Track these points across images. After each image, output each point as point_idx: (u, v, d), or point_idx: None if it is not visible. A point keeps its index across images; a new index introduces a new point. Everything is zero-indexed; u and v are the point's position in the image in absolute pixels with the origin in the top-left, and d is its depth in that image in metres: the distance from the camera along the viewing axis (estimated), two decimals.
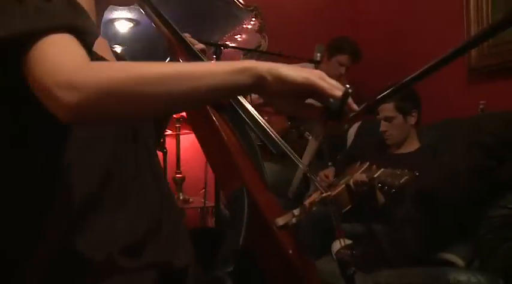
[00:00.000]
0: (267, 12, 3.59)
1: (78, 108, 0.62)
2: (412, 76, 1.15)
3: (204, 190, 3.05)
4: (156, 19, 1.21)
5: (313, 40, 3.30)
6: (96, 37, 0.75)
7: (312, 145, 2.90)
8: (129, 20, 3.56)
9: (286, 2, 3.70)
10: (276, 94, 0.76)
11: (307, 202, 1.01)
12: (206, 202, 3.03)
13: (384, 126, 2.42)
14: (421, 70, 1.12)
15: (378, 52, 3.44)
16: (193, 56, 1.21)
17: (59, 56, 0.64)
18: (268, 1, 3.55)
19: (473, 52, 2.56)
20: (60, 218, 0.78)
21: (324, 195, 1.03)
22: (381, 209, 2.15)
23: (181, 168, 3.16)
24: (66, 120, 0.64)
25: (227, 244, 0.95)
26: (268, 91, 0.74)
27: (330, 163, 2.95)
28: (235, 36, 3.74)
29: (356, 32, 3.69)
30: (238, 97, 1.17)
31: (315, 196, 1.03)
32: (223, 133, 1.08)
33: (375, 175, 2.04)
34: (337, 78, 3.26)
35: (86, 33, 0.70)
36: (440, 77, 2.73)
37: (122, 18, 3.51)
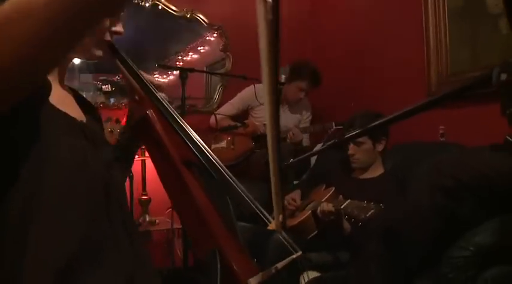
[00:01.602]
0: (231, 31, 3.59)
1: None
2: (383, 120, 1.19)
3: (170, 210, 3.01)
4: (125, 71, 1.16)
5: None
6: None
7: None
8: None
9: (250, 21, 3.69)
10: None
11: (279, 265, 1.02)
12: (173, 223, 2.99)
13: (352, 149, 2.46)
14: (392, 116, 1.15)
15: (340, 71, 3.51)
16: (161, 106, 1.17)
17: None
18: (232, 21, 3.55)
19: (433, 78, 2.64)
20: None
21: (295, 256, 1.03)
22: (347, 238, 2.18)
23: (147, 189, 3.11)
24: None
25: None
26: None
27: (294, 182, 2.98)
28: (198, 48, 3.73)
29: (318, 53, 3.74)
30: (182, 123, 1.14)
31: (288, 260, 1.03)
32: (194, 193, 1.06)
33: (342, 207, 2.07)
34: (297, 101, 3.33)
35: None
36: (401, 102, 2.83)
37: None
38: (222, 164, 1.16)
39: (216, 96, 3.60)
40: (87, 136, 0.94)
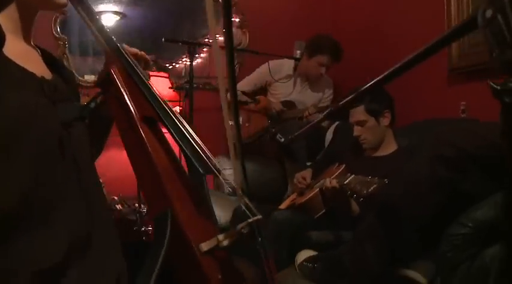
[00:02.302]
0: (247, 9, 3.49)
1: None
2: (375, 80, 1.09)
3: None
4: (90, 23, 1.11)
5: (294, 36, 3.21)
6: None
7: None
8: (116, 13, 3.50)
9: None
10: None
11: (235, 229, 0.94)
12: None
13: (357, 130, 2.33)
14: (387, 73, 1.05)
15: (359, 48, 3.35)
16: (127, 64, 1.12)
17: None
18: None
19: (454, 51, 2.46)
20: None
21: (250, 220, 0.95)
22: (354, 219, 2.07)
23: None
24: None
25: (143, 269, 0.89)
26: None
27: (308, 164, 2.88)
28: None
29: (336, 28, 3.59)
30: (171, 112, 1.09)
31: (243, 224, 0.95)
32: (150, 151, 1.00)
33: (345, 182, 1.96)
34: (317, 77, 3.18)
35: None
36: (421, 77, 2.67)
37: (108, 11, 3.45)
38: (191, 131, 1.10)
39: None
40: (46, 92, 0.92)
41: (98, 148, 1.25)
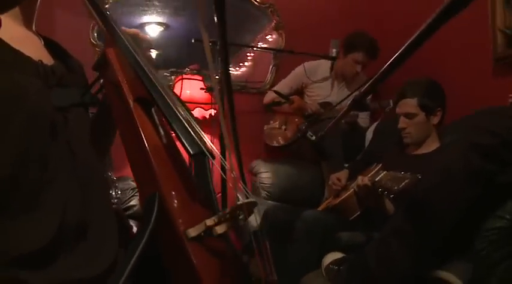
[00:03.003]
0: (282, 10, 3.44)
1: None
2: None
3: None
4: (89, 6, 1.11)
5: (330, 35, 3.12)
6: None
7: None
8: (159, 23, 3.57)
9: None
10: None
11: (221, 214, 0.87)
12: None
13: (403, 122, 2.20)
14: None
15: (399, 44, 3.18)
16: (124, 46, 1.09)
17: None
18: None
19: (499, 40, 2.27)
20: None
21: (240, 202, 0.87)
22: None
23: None
24: None
25: (127, 251, 0.84)
26: None
27: (346, 165, 2.75)
28: (266, 37, 3.62)
29: (375, 26, 3.45)
30: (163, 90, 1.05)
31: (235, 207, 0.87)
32: (141, 132, 0.95)
33: (377, 179, 1.83)
34: (353, 75, 3.06)
35: None
36: (464, 68, 2.49)
37: (152, 23, 3.53)
38: (187, 116, 1.05)
39: (269, 76, 3.46)
40: (41, 75, 0.93)
41: (108, 139, 1.24)
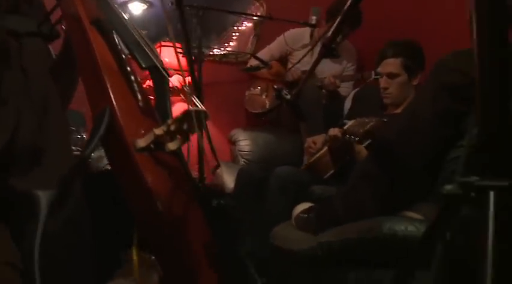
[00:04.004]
0: None
1: None
2: None
3: None
4: None
5: (311, 4, 3.09)
6: None
7: None
8: (143, 1, 3.50)
9: None
10: None
11: (169, 121, 0.85)
12: None
13: (385, 82, 2.21)
14: None
15: (380, 10, 3.17)
16: None
17: None
18: None
19: None
20: None
21: (188, 109, 0.85)
22: None
23: None
24: None
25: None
26: None
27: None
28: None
29: None
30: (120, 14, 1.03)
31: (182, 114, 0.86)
32: (93, 48, 0.94)
33: (345, 127, 1.84)
34: (336, 44, 3.02)
35: None
36: (443, 31, 2.47)
37: (135, 0, 3.46)
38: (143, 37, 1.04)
39: (250, 46, 3.44)
40: None
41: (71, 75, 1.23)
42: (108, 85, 0.90)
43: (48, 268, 0.84)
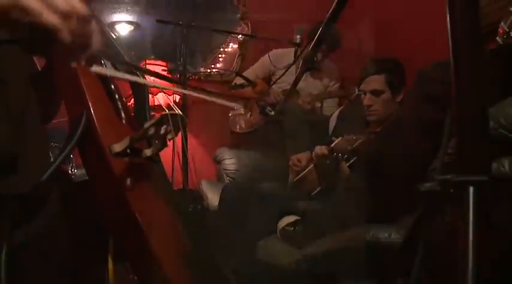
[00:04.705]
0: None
1: None
2: None
3: None
4: None
5: (295, 24, 3.14)
6: None
7: None
8: (130, 23, 3.53)
9: None
10: None
11: (146, 125, 0.84)
12: None
13: (369, 99, 2.19)
14: None
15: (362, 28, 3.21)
16: None
17: None
18: None
19: None
20: None
21: (164, 112, 0.84)
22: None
23: None
24: None
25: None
26: None
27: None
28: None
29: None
30: None
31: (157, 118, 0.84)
32: None
33: (332, 145, 1.83)
34: (317, 62, 3.06)
35: None
36: (425, 48, 2.50)
37: (122, 21, 3.48)
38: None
39: (235, 65, 3.45)
40: None
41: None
42: (85, 89, 0.88)
43: (17, 280, 0.80)
